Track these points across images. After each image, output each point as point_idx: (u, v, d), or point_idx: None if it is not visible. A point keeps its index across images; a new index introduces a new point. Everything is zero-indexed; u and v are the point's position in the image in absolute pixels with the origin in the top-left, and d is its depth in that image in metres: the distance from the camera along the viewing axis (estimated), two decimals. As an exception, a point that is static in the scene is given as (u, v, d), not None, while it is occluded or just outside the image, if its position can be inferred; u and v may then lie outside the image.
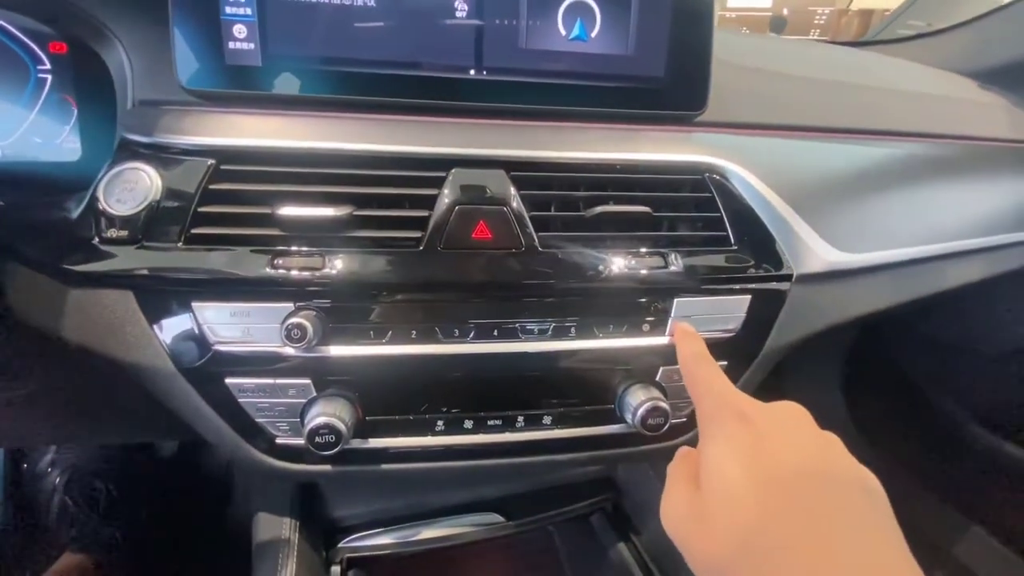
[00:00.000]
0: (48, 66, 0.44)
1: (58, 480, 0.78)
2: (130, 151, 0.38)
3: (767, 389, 0.46)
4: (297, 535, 0.44)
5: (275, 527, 0.45)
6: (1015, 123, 0.64)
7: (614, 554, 0.53)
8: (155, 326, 0.36)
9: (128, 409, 0.49)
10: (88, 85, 0.44)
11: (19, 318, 0.38)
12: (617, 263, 0.40)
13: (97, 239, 0.36)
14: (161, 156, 0.37)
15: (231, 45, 0.40)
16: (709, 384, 0.30)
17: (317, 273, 0.36)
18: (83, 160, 0.45)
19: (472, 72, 0.43)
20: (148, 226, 0.36)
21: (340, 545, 0.47)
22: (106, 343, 0.36)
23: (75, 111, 0.45)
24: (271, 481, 0.47)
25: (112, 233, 0.35)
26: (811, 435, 0.25)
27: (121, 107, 0.42)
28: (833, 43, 0.95)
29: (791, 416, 0.26)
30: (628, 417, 0.40)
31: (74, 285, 0.36)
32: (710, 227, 0.43)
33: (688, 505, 0.24)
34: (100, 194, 0.36)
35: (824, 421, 0.26)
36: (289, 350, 0.36)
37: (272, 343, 0.36)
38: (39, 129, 0.44)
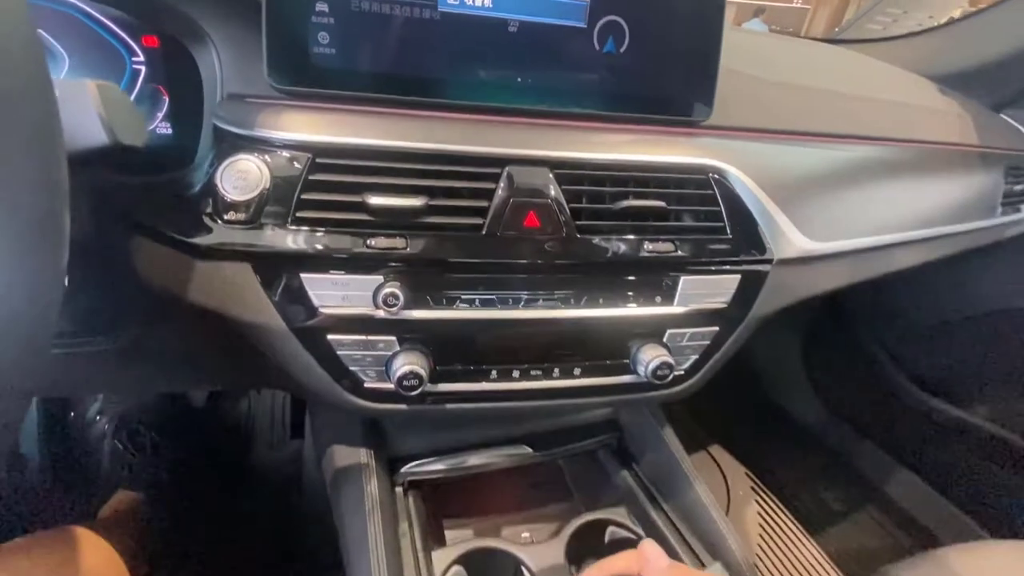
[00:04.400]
0: (142, 58, 0.48)
1: (107, 427, 0.85)
2: (230, 142, 0.44)
3: (746, 353, 0.57)
4: (373, 461, 0.54)
5: (353, 456, 0.54)
6: (962, 129, 0.75)
7: (618, 480, 0.65)
8: (269, 292, 0.44)
9: (211, 361, 0.57)
10: (179, 76, 0.50)
11: (144, 284, 0.45)
12: (636, 247, 0.50)
13: (219, 220, 0.43)
14: (264, 148, 0.44)
15: (315, 49, 0.46)
16: None
17: (401, 252, 0.44)
18: (175, 144, 0.51)
19: (519, 79, 0.51)
20: (261, 209, 0.43)
21: (402, 470, 0.58)
22: (227, 306, 0.44)
23: (166, 100, 0.50)
24: (345, 419, 0.56)
25: (231, 215, 0.42)
26: None
27: (210, 99, 0.48)
28: (825, 41, 1.04)
29: None
30: (640, 370, 0.51)
31: (199, 258, 0.43)
32: (710, 219, 0.52)
33: None
34: (218, 181, 0.43)
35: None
36: (381, 313, 0.44)
37: (366, 307, 0.44)
38: (136, 115, 0.50)
